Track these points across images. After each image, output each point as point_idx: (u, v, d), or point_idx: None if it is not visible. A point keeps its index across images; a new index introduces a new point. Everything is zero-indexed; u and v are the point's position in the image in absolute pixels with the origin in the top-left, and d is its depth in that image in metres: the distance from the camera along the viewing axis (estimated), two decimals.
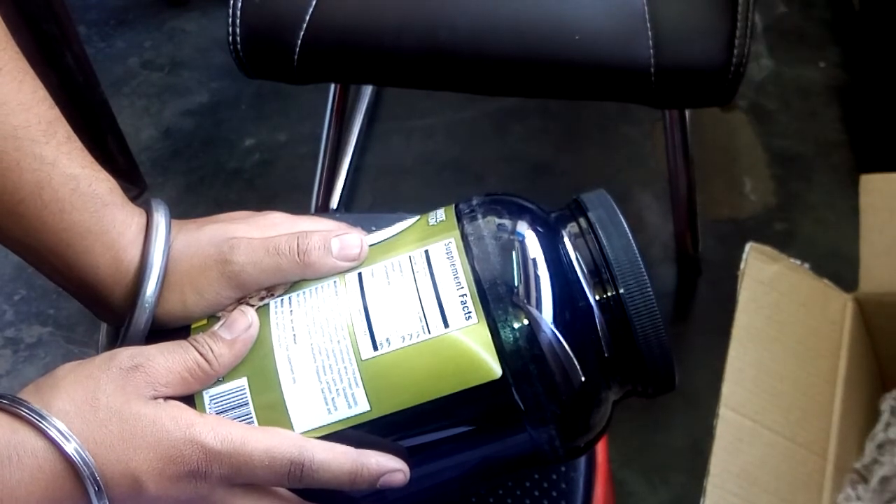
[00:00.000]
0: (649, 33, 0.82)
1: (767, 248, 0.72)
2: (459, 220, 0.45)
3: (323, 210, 1.26)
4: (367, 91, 1.43)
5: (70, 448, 0.39)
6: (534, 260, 0.43)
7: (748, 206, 1.28)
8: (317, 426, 0.42)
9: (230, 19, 0.87)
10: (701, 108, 1.11)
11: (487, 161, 1.37)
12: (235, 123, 1.45)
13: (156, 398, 0.41)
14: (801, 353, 0.71)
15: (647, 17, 0.82)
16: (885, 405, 0.78)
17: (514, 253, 0.43)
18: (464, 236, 0.44)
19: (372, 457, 0.42)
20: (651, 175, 1.31)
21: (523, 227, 0.44)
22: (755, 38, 1.43)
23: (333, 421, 0.42)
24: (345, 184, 1.33)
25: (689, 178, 1.11)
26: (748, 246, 0.72)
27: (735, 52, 0.81)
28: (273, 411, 0.42)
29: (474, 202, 0.46)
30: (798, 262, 0.73)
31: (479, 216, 0.45)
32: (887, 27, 1.25)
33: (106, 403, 0.40)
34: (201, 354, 0.42)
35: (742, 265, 0.71)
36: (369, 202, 1.34)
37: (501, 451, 0.44)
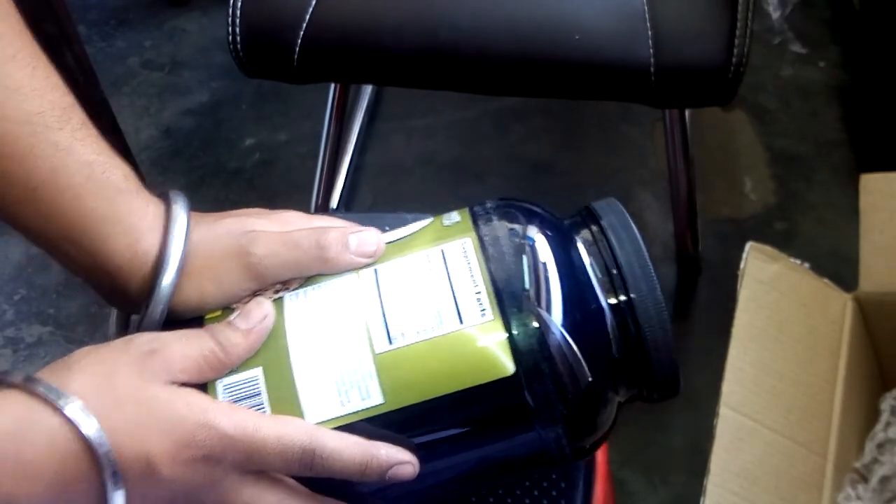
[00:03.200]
0: (649, 33, 0.82)
1: (767, 248, 0.72)
2: (475, 222, 0.46)
3: (323, 209, 1.26)
4: (367, 90, 1.43)
5: (87, 428, 0.39)
6: (545, 263, 0.43)
7: (748, 205, 1.28)
8: (329, 417, 0.42)
9: (230, 19, 0.87)
10: (701, 108, 1.11)
11: (487, 161, 1.37)
12: (236, 123, 1.45)
13: (171, 383, 0.41)
14: (801, 353, 0.71)
15: (647, 16, 0.82)
16: (885, 404, 0.78)
17: (527, 256, 0.44)
18: (479, 237, 0.45)
19: (382, 448, 0.42)
20: (651, 175, 1.31)
21: (536, 232, 0.45)
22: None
23: (346, 413, 0.42)
24: (345, 183, 1.33)
25: (689, 178, 1.11)
26: (748, 245, 0.72)
27: (735, 51, 0.81)
28: (286, 401, 0.42)
29: (489, 205, 0.47)
30: (798, 261, 0.73)
31: (495, 219, 0.45)
32: (887, 27, 1.25)
33: (123, 386, 0.40)
34: (217, 343, 0.42)
35: (742, 264, 0.71)
36: (369, 201, 1.34)
37: (509, 448, 0.44)
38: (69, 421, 0.39)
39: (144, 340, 0.42)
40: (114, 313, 0.51)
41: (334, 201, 1.29)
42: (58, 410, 0.39)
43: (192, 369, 0.42)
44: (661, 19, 0.82)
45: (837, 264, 0.78)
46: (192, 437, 0.40)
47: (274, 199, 1.35)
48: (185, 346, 0.42)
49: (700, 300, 1.21)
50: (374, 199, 1.34)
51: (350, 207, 1.32)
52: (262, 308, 0.44)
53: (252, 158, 1.41)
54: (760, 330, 0.69)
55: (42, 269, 1.31)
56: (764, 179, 1.31)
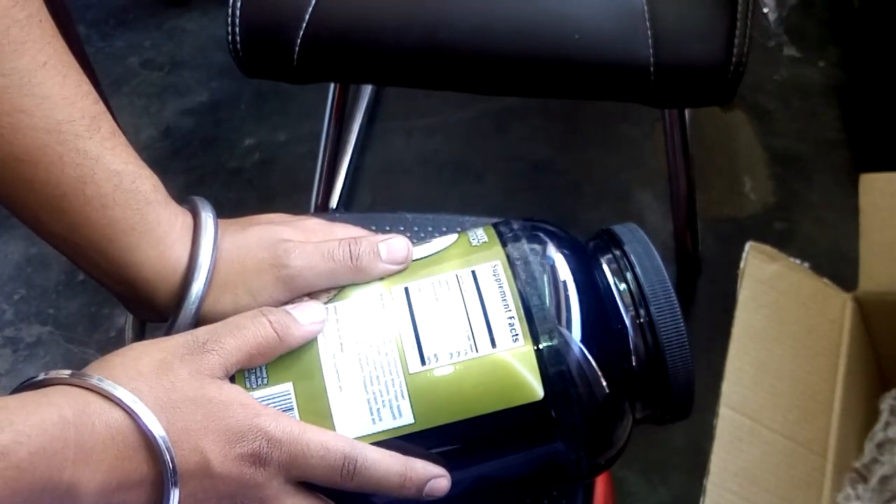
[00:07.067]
0: (649, 32, 0.82)
1: (767, 248, 0.72)
2: (502, 242, 0.47)
3: (322, 209, 1.26)
4: (367, 90, 1.43)
5: (149, 423, 0.40)
6: (572, 286, 0.45)
7: (748, 205, 1.28)
8: (361, 434, 0.43)
9: (230, 18, 0.87)
10: (700, 108, 1.11)
11: (487, 160, 1.37)
12: (235, 123, 1.45)
13: (224, 378, 0.43)
14: (801, 352, 0.71)
15: (646, 16, 0.82)
16: (885, 404, 0.78)
17: (557, 279, 0.45)
18: (509, 259, 0.46)
19: (418, 462, 0.43)
20: (651, 174, 1.31)
21: (564, 255, 0.46)
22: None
23: (377, 431, 0.43)
24: (344, 183, 1.33)
25: (688, 178, 1.11)
26: (748, 245, 0.72)
27: (735, 51, 0.81)
28: (318, 416, 0.43)
29: (515, 226, 0.48)
30: (798, 261, 0.74)
31: (523, 240, 0.46)
32: (887, 27, 1.25)
33: (181, 388, 0.41)
34: (275, 330, 0.43)
35: (742, 264, 0.71)
36: (369, 202, 1.34)
37: (529, 467, 0.45)
38: (130, 415, 0.40)
39: (201, 342, 0.43)
40: (129, 319, 0.51)
41: (334, 201, 1.29)
42: (117, 405, 0.40)
43: (244, 360, 0.43)
44: (661, 19, 0.82)
45: (837, 264, 0.78)
46: (243, 438, 0.41)
47: (273, 198, 1.35)
48: (239, 340, 0.43)
49: (700, 300, 1.21)
50: (374, 199, 1.34)
51: (350, 207, 1.32)
52: (323, 311, 0.45)
53: (252, 158, 1.41)
54: (760, 330, 0.69)
55: (42, 268, 1.31)
56: (763, 179, 1.31)
